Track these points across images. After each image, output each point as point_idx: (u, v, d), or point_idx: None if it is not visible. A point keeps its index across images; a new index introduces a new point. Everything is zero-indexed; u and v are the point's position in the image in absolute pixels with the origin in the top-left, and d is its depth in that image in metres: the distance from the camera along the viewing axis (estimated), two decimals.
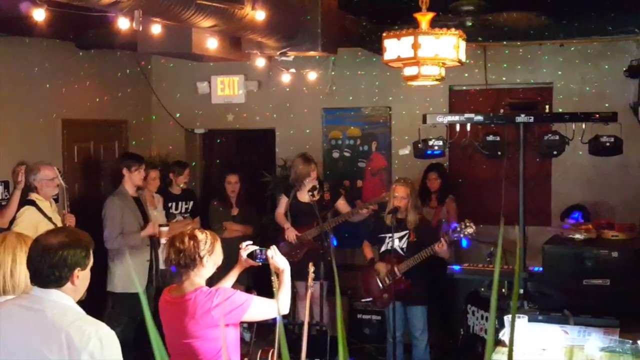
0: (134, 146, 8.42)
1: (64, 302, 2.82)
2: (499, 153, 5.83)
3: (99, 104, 8.03)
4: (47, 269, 2.79)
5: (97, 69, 7.96)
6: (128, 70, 8.51)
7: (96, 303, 2.91)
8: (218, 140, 9.58)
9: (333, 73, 8.39)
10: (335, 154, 8.55)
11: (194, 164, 9.11)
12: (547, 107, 5.64)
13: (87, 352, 2.69)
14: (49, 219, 6.08)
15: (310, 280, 5.99)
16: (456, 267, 6.78)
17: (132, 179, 6.73)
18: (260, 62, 6.75)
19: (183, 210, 7.76)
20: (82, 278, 2.87)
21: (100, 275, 6.28)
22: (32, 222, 5.91)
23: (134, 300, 6.53)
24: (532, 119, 5.36)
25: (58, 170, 6.34)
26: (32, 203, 6.08)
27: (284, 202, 7.48)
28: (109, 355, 2.75)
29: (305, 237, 7.15)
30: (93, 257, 2.93)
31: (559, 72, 7.76)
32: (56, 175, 6.24)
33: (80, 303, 2.93)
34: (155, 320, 1.25)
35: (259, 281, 6.66)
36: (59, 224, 6.10)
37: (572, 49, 7.72)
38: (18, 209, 6.04)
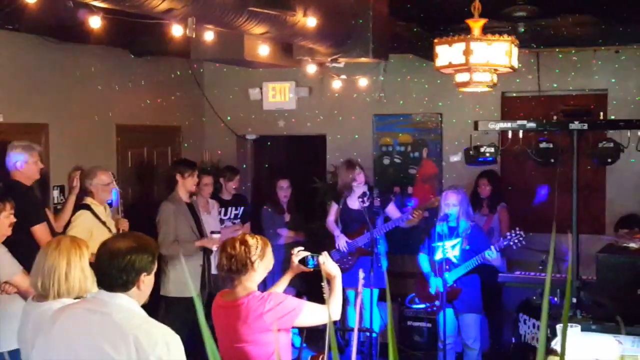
0: (186, 151, 8.52)
1: (129, 306, 2.86)
2: (552, 160, 5.74)
3: (152, 109, 8.15)
4: (115, 273, 2.83)
5: (150, 75, 8.08)
6: (181, 76, 8.62)
7: (149, 306, 2.95)
8: (269, 143, 9.64)
9: (382, 79, 8.37)
10: (386, 161, 8.54)
11: (244, 166, 9.18)
12: (601, 114, 5.53)
13: (155, 355, 2.73)
14: (103, 223, 6.15)
15: (360, 286, 5.99)
16: (508, 275, 6.72)
17: (185, 185, 6.79)
18: (311, 69, 6.79)
19: (232, 216, 7.81)
20: (147, 283, 2.91)
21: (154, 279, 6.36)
22: (86, 226, 5.99)
23: (187, 305, 6.59)
24: (586, 126, 5.27)
25: (113, 175, 6.45)
26: (87, 207, 6.16)
27: (334, 209, 7.49)
28: (175, 359, 2.79)
29: (355, 243, 7.16)
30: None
31: (614, 79, 7.63)
32: (112, 181, 6.33)
33: None
34: (207, 325, 1.27)
35: (309, 287, 6.68)
36: (113, 229, 6.19)
37: (627, 55, 7.58)
38: (73, 213, 6.14)
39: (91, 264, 3.28)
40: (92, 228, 6.00)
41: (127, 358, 2.74)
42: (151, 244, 2.96)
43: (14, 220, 4.97)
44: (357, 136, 8.59)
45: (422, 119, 8.36)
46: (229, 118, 9.05)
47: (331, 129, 8.76)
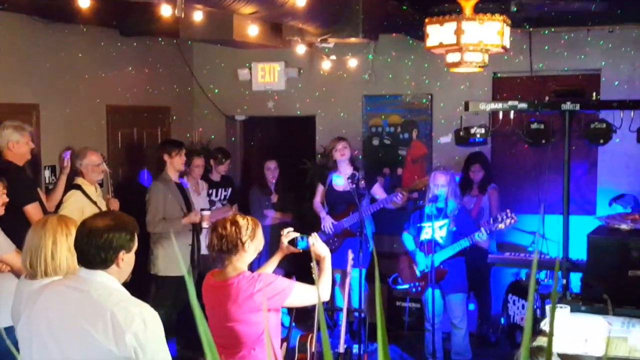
0: (176, 132, 8.49)
1: (109, 283, 2.89)
2: (543, 141, 5.74)
3: (142, 90, 8.11)
4: (93, 250, 2.86)
5: (139, 55, 8.03)
6: (170, 57, 8.56)
7: (140, 286, 2.96)
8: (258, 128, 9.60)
9: (372, 59, 8.34)
10: (375, 142, 8.52)
11: (233, 139, 9.14)
12: (594, 94, 5.51)
13: (131, 332, 2.74)
14: (94, 203, 6.20)
15: (349, 267, 6.01)
16: (497, 256, 6.75)
17: (173, 165, 6.81)
18: (300, 49, 6.75)
19: (222, 197, 7.82)
20: (126, 261, 2.93)
21: (143, 258, 6.36)
22: (78, 206, 6.04)
23: (177, 284, 6.62)
24: (578, 107, 5.25)
25: (103, 156, 6.47)
26: (78, 187, 6.21)
27: (320, 190, 7.50)
28: (153, 336, 2.80)
29: (341, 224, 7.16)
30: (137, 240, 2.99)
31: (607, 59, 7.60)
32: (102, 161, 6.39)
33: (125, 285, 2.99)
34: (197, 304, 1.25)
35: (298, 267, 6.68)
36: (104, 208, 6.22)
37: (621, 35, 7.55)
38: (64, 193, 6.19)
39: None
40: (84, 208, 6.04)
41: (104, 334, 2.76)
42: (130, 223, 2.98)
43: (7, 200, 5.00)
44: (346, 117, 8.56)
45: (412, 100, 8.33)
46: (218, 102, 9.00)
47: (320, 110, 8.72)
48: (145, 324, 2.78)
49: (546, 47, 7.76)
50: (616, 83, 7.52)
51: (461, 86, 7.98)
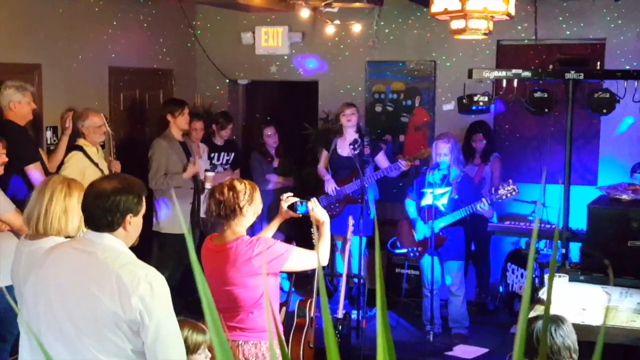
0: (178, 95, 8.45)
1: (116, 245, 2.87)
2: (546, 110, 5.71)
3: (145, 52, 8.07)
4: (99, 213, 2.84)
5: (143, 17, 7.97)
6: (173, 19, 8.50)
7: (143, 245, 2.96)
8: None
9: (376, 28, 8.27)
10: (378, 108, 8.48)
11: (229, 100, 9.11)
12: (598, 63, 5.47)
13: (137, 295, 2.73)
14: (96, 164, 6.21)
15: (349, 233, 6.03)
16: (497, 225, 6.77)
17: (177, 124, 6.84)
18: (304, 13, 6.72)
19: (224, 162, 7.82)
20: (134, 224, 2.91)
21: (147, 217, 6.38)
22: (79, 167, 6.04)
23: (179, 242, 6.66)
24: (582, 76, 5.21)
25: (105, 118, 6.45)
26: (80, 149, 6.21)
27: (324, 156, 7.49)
28: (159, 300, 2.79)
29: (344, 190, 7.16)
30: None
31: (613, 28, 7.53)
32: (103, 123, 6.37)
33: (131, 247, 2.97)
34: (198, 262, 1.24)
35: (298, 232, 6.71)
36: (105, 170, 6.23)
37: (627, 4, 7.47)
38: (65, 154, 6.18)
39: None
40: (85, 169, 6.06)
41: (110, 296, 2.75)
42: (137, 186, 2.95)
43: (6, 159, 5.01)
44: (350, 83, 8.52)
45: (416, 67, 8.28)
46: (221, 65, 8.95)
47: (323, 76, 8.68)
48: (152, 287, 2.77)
49: (551, 16, 7.68)
50: (620, 53, 7.46)
51: (465, 53, 7.92)
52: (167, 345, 2.80)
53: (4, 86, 5.66)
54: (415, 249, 6.70)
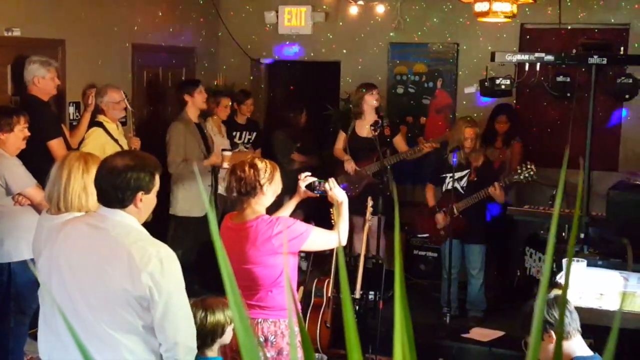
0: (201, 74, 8.47)
1: (127, 222, 2.85)
2: (568, 95, 5.69)
3: (169, 30, 8.07)
4: (110, 189, 2.83)
5: None
6: None
7: (159, 226, 2.97)
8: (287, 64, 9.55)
9: (400, 6, 8.23)
10: (400, 90, 8.46)
11: (262, 86, 9.13)
12: (622, 49, 5.43)
13: (147, 272, 2.74)
14: (116, 140, 6.22)
15: (368, 214, 6.03)
16: (516, 209, 6.75)
17: (195, 104, 6.83)
18: None
19: (246, 141, 7.83)
20: (145, 202, 2.88)
21: (164, 198, 6.43)
22: (99, 143, 6.06)
23: (195, 225, 6.69)
24: (605, 61, 5.18)
25: (124, 94, 6.46)
26: (100, 125, 6.23)
27: (342, 137, 7.42)
28: (169, 276, 2.79)
29: (363, 171, 7.13)
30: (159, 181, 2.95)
31: (637, 14, 7.45)
32: (122, 99, 6.36)
33: (145, 225, 2.97)
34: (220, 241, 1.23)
35: (316, 212, 6.72)
36: (125, 147, 6.25)
37: None
38: (87, 130, 6.21)
39: None
40: (105, 145, 6.07)
41: (120, 272, 2.76)
42: (151, 163, 2.92)
43: (28, 134, 5.03)
44: (372, 65, 8.49)
45: (439, 49, 8.24)
46: (244, 44, 8.95)
47: (346, 56, 8.66)
48: (162, 263, 2.77)
49: (576, 0, 7.61)
50: None
51: (488, 36, 7.87)
52: (176, 322, 2.80)
53: (28, 61, 5.69)
54: (436, 234, 6.71)
